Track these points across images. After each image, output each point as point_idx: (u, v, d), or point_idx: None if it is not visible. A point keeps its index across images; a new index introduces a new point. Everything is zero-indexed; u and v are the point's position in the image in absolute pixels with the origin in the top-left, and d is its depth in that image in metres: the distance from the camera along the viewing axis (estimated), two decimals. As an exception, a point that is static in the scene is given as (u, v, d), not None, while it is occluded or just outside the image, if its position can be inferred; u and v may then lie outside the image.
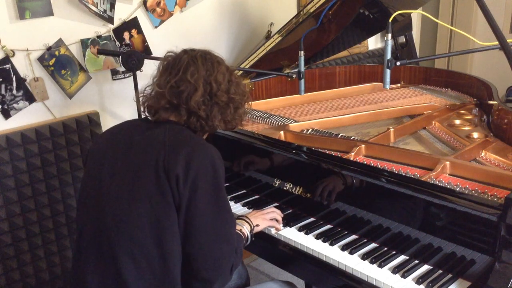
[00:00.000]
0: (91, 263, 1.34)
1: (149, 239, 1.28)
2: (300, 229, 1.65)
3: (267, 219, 1.64)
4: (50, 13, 2.07)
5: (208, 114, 1.40)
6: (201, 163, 1.29)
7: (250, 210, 1.79)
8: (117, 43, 2.31)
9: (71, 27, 2.15)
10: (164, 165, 1.27)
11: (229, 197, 1.88)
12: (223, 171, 1.36)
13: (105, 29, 2.26)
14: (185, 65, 1.39)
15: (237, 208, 1.83)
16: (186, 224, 1.28)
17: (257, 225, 1.60)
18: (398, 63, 1.76)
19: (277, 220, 1.66)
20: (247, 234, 1.54)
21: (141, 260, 1.28)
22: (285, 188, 1.79)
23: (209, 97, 1.39)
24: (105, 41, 2.26)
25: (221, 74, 1.41)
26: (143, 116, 1.53)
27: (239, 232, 1.51)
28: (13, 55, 2.01)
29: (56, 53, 2.13)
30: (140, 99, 1.47)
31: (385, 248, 1.51)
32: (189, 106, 1.37)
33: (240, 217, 1.60)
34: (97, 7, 2.18)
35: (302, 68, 2.13)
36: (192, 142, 1.34)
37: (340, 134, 1.89)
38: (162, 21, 2.44)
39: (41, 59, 2.09)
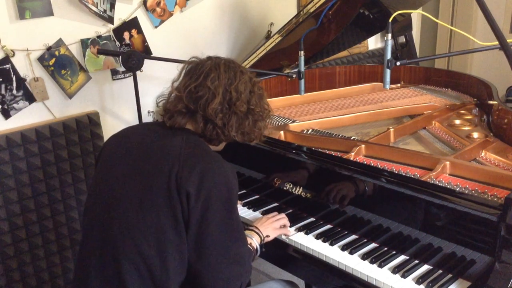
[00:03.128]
0: (94, 268, 1.32)
1: (153, 250, 1.26)
2: (300, 229, 1.65)
3: (277, 227, 1.61)
4: (50, 13, 2.07)
5: (225, 123, 1.37)
6: (215, 182, 1.26)
7: (251, 211, 1.80)
8: (117, 43, 2.31)
9: (71, 27, 2.15)
10: (176, 180, 1.24)
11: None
12: (237, 190, 1.33)
13: (105, 29, 2.26)
14: (206, 71, 1.36)
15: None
16: (197, 242, 1.26)
17: (267, 236, 1.56)
18: (398, 63, 1.76)
19: (285, 225, 1.64)
20: (257, 247, 1.51)
21: (144, 270, 1.27)
22: (285, 188, 1.79)
23: (227, 105, 1.36)
24: (105, 41, 2.26)
25: (243, 84, 1.38)
26: (146, 119, 1.50)
27: (249, 246, 1.47)
28: (13, 55, 2.01)
29: (56, 53, 2.13)
30: (157, 100, 1.45)
31: (385, 248, 1.51)
32: (206, 113, 1.34)
33: (249, 228, 1.57)
34: (97, 7, 2.18)
35: (302, 68, 2.13)
36: (208, 159, 1.30)
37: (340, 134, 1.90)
38: (162, 21, 2.44)
39: (41, 59, 2.09)
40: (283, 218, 1.65)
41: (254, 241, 1.51)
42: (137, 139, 1.41)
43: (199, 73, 1.37)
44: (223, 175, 1.28)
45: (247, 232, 1.54)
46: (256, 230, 1.55)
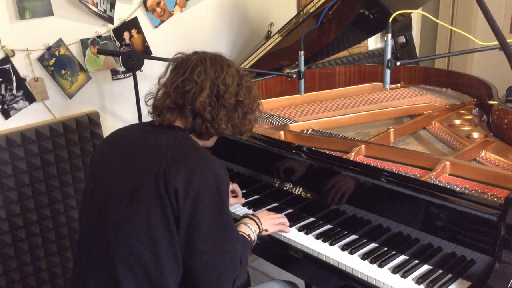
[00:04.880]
0: (90, 269, 1.33)
1: (146, 250, 1.26)
2: (300, 229, 1.65)
3: (276, 223, 1.61)
4: (50, 13, 2.07)
5: (214, 116, 1.36)
6: (203, 178, 1.26)
7: (251, 211, 1.79)
8: (117, 43, 2.31)
9: (71, 27, 2.15)
10: (164, 178, 1.24)
11: (229, 197, 1.88)
12: (227, 185, 1.33)
13: (105, 29, 2.26)
14: (192, 65, 1.36)
15: (237, 208, 1.82)
16: (188, 239, 1.26)
17: (266, 230, 1.57)
18: (398, 63, 1.76)
19: (283, 225, 1.63)
20: (254, 239, 1.50)
21: (138, 270, 1.27)
22: (285, 188, 1.79)
23: (215, 98, 1.36)
24: (105, 41, 2.26)
25: (230, 77, 1.38)
26: (146, 119, 1.50)
27: (247, 237, 1.47)
28: (13, 55, 2.01)
29: (56, 53, 2.13)
30: (146, 98, 1.45)
31: (385, 248, 1.51)
32: (194, 107, 1.34)
33: (250, 216, 1.56)
34: (97, 7, 2.18)
35: (302, 68, 2.13)
36: (196, 155, 1.30)
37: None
38: (162, 21, 2.44)
39: (41, 59, 2.09)
40: (282, 217, 1.65)
41: (252, 231, 1.50)
42: (128, 139, 1.41)
43: (185, 68, 1.37)
44: (212, 171, 1.28)
45: (247, 220, 1.54)
46: (257, 221, 1.55)
